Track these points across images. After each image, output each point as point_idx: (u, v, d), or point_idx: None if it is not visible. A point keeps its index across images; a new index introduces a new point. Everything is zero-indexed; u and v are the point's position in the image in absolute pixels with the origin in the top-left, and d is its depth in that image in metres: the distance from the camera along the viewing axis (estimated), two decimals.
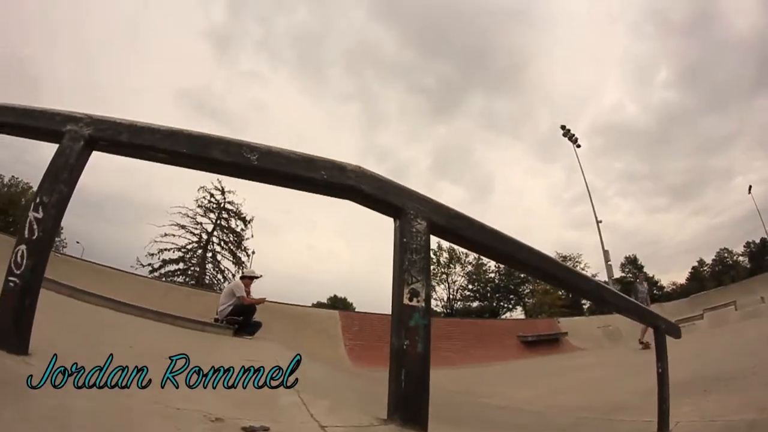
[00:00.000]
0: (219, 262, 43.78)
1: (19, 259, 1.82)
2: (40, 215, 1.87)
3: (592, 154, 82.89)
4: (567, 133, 34.18)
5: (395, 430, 1.59)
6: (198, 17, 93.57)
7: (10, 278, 1.80)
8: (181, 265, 41.80)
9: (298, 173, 1.96)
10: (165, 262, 40.60)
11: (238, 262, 43.51)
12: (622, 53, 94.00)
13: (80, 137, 1.99)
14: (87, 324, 4.89)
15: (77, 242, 42.07)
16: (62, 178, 1.94)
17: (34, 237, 1.85)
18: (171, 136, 1.98)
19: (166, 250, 40.75)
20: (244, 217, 44.33)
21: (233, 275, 41.32)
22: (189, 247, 42.32)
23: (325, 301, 58.76)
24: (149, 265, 39.31)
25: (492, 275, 57.71)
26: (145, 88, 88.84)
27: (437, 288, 53.77)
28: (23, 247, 1.83)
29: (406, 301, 1.83)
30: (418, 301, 1.84)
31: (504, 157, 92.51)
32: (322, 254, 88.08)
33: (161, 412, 1.60)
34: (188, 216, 42.25)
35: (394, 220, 2.03)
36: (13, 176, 51.39)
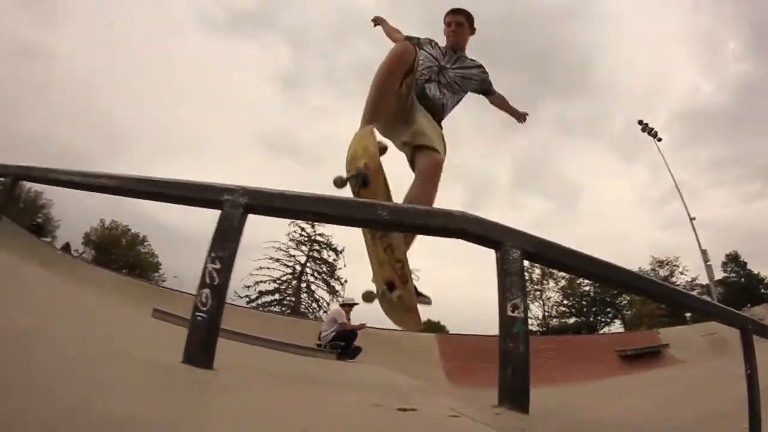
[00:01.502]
0: (313, 291, 45.51)
1: (204, 299, 2.34)
2: (217, 266, 2.38)
3: (673, 147, 75.74)
4: (645, 127, 31.32)
5: (506, 411, 2.04)
6: (267, 62, 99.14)
7: (198, 314, 2.30)
8: (276, 296, 43.78)
9: (418, 222, 2.52)
10: (261, 294, 42.81)
11: (332, 291, 44.96)
12: (685, 34, 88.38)
13: (239, 205, 2.51)
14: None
15: (175, 276, 45.08)
16: (229, 237, 2.47)
17: (215, 283, 2.38)
18: (319, 201, 2.51)
19: (261, 282, 43.00)
20: (335, 248, 45.92)
21: (328, 304, 42.75)
22: (283, 278, 44.29)
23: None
24: (246, 296, 41.68)
25: (587, 288, 54.05)
26: (226, 134, 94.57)
27: (531, 306, 48.95)
28: (207, 290, 2.34)
29: (509, 313, 2.26)
30: (518, 313, 2.27)
31: (583, 161, 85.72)
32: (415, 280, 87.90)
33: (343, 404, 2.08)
34: (281, 249, 44.43)
35: (495, 252, 2.46)
36: (113, 220, 56.00)
